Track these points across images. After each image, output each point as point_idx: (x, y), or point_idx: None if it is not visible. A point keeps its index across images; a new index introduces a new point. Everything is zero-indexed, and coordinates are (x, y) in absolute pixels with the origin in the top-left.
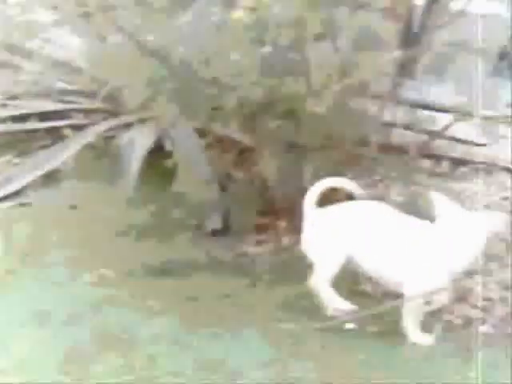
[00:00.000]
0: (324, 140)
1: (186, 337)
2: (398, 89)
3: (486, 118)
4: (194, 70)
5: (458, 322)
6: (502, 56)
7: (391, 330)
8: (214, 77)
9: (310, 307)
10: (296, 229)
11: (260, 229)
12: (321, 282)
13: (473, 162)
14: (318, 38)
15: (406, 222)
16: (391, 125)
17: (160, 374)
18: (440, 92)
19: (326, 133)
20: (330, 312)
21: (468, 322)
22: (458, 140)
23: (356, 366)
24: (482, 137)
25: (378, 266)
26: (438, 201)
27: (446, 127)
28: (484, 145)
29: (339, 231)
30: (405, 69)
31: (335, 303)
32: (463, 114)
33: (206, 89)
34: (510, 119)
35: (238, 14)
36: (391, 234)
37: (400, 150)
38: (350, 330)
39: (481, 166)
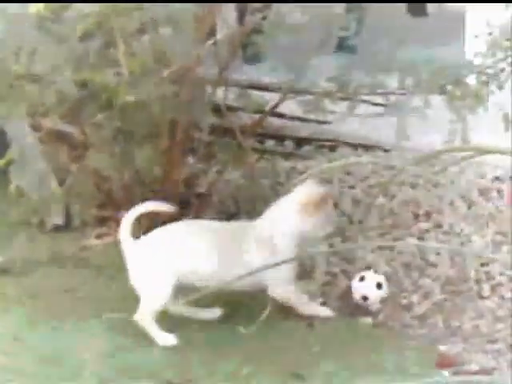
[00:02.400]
0: (152, 127)
1: (28, 334)
2: (226, 72)
3: (310, 94)
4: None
5: None
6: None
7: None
8: (30, 73)
9: None
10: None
11: (101, 221)
12: (146, 317)
13: (317, 140)
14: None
15: (224, 227)
16: (224, 108)
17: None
18: (266, 71)
19: (153, 120)
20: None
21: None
22: (299, 119)
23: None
24: (310, 113)
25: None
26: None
27: (275, 105)
28: (328, 123)
29: (162, 258)
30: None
31: (161, 339)
32: (289, 91)
33: (23, 85)
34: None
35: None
36: (215, 242)
37: (233, 132)
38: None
39: (326, 143)
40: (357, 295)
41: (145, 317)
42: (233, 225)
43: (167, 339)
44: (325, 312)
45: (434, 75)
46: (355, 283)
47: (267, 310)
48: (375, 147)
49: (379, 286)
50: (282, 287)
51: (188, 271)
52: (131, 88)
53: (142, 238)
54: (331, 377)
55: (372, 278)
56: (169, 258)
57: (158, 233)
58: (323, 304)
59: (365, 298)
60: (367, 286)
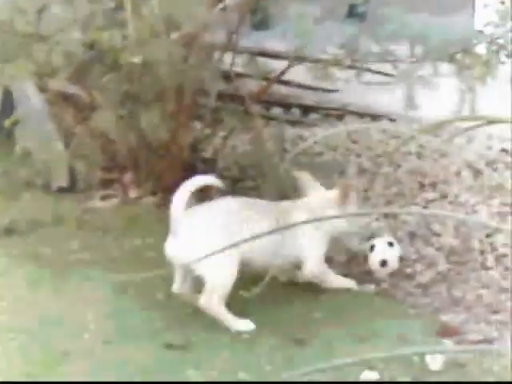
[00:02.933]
0: (159, 91)
1: (31, 294)
2: (234, 38)
3: (318, 61)
4: (14, 26)
5: None
6: None
7: None
8: (37, 32)
9: (156, 257)
10: (141, 182)
11: (106, 184)
12: (214, 302)
13: (324, 108)
14: None
15: (276, 206)
16: (232, 74)
17: None
18: (274, 38)
19: (161, 83)
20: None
21: None
22: (306, 87)
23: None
24: (318, 81)
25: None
26: (303, 180)
27: (282, 73)
28: (335, 91)
29: (226, 237)
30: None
31: (235, 325)
32: (296, 58)
33: (31, 44)
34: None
35: None
36: (273, 220)
37: (240, 98)
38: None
39: (332, 111)
40: (375, 264)
41: (213, 302)
42: (282, 204)
43: (243, 324)
44: (349, 283)
45: (443, 44)
46: (368, 253)
47: (269, 275)
48: (382, 116)
49: (391, 244)
50: (316, 264)
51: (251, 250)
52: (138, 49)
53: (197, 215)
54: (332, 343)
55: (381, 241)
56: (233, 237)
57: (216, 211)
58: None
59: (383, 263)
60: (381, 251)
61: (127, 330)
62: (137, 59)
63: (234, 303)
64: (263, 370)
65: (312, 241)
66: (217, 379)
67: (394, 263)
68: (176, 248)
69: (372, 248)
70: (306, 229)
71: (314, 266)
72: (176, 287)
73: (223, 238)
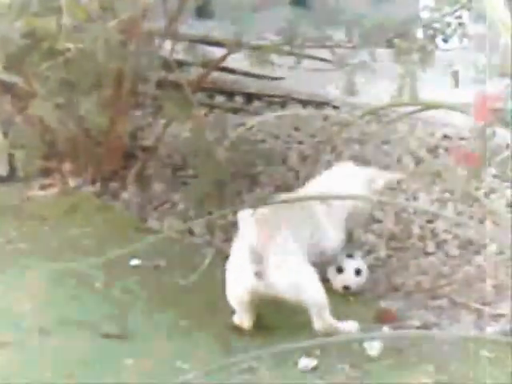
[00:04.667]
0: (97, 77)
1: None
2: (174, 26)
3: (256, 48)
4: None
5: None
6: None
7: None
8: None
9: (94, 246)
10: (80, 170)
11: (45, 173)
12: (330, 322)
13: (267, 96)
14: None
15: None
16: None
17: None
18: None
19: (98, 71)
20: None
21: None
22: (250, 74)
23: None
24: (256, 67)
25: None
26: None
27: (222, 59)
28: (279, 79)
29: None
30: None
31: (346, 328)
32: (235, 45)
33: None
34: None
35: None
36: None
37: (179, 86)
38: (136, 266)
39: (275, 99)
40: (338, 286)
41: (328, 322)
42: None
43: (353, 326)
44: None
45: (381, 28)
46: (332, 274)
47: (206, 262)
48: (325, 103)
49: (358, 272)
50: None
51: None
52: (74, 36)
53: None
54: (271, 331)
55: (350, 266)
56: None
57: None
58: None
59: (346, 288)
60: (347, 277)
61: (64, 319)
62: (72, 45)
63: (171, 291)
64: (201, 358)
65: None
66: (154, 368)
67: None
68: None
69: (340, 270)
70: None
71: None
72: (250, 323)
73: (299, 252)
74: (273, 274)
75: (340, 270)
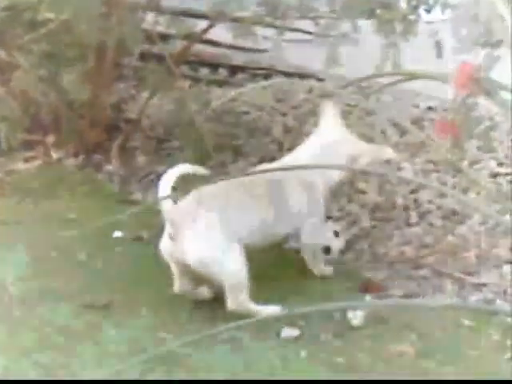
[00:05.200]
0: (80, 49)
1: None
2: None
3: (237, 20)
4: None
5: None
6: None
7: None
8: None
9: (77, 219)
10: (63, 143)
11: (28, 146)
12: (242, 301)
13: (251, 68)
14: None
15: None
16: (154, 33)
17: None
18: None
19: (81, 43)
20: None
21: None
22: (234, 47)
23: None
24: (239, 38)
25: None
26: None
27: (204, 31)
28: (264, 51)
29: (225, 225)
30: None
31: (263, 312)
32: (216, 17)
33: None
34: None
35: None
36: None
37: (162, 59)
38: (119, 238)
39: (260, 71)
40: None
41: (240, 301)
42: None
43: (271, 310)
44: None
45: None
46: None
47: None
48: (310, 76)
49: (336, 234)
50: (314, 235)
51: (249, 235)
52: (55, 6)
53: (190, 209)
54: (254, 301)
55: (329, 228)
56: (232, 227)
57: (208, 201)
58: None
59: (327, 251)
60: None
61: (47, 291)
62: (53, 16)
63: (154, 263)
64: (184, 328)
65: (308, 203)
66: (138, 339)
67: (336, 253)
68: (175, 248)
69: None
70: (298, 193)
71: (309, 235)
72: (177, 287)
73: (223, 231)
74: (186, 244)
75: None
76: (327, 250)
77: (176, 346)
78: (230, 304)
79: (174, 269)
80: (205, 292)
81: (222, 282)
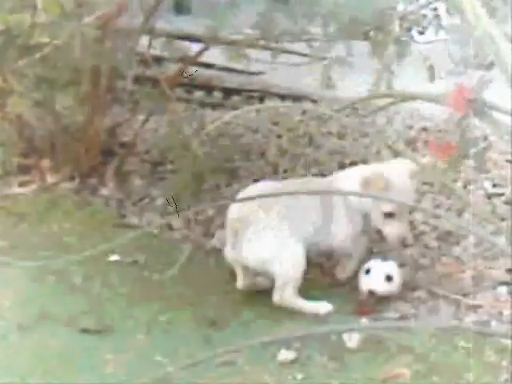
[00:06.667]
0: (74, 74)
1: None
2: (152, 21)
3: (231, 43)
4: None
5: None
6: None
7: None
8: None
9: (74, 242)
10: (59, 167)
11: (24, 170)
12: (289, 296)
13: (246, 91)
14: None
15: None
16: (148, 57)
17: None
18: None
19: (75, 67)
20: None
21: None
22: (228, 69)
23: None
24: (233, 61)
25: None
26: None
27: (198, 54)
28: (258, 74)
29: (287, 225)
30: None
31: (316, 311)
32: (211, 40)
33: None
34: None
35: None
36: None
37: (157, 82)
38: (115, 262)
39: (255, 93)
40: (363, 288)
41: (286, 296)
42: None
43: (323, 307)
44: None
45: (356, 21)
46: (361, 275)
47: (183, 257)
48: (303, 97)
49: (389, 278)
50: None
51: (313, 236)
52: (50, 31)
53: (248, 208)
54: (250, 325)
55: (379, 269)
56: (295, 225)
57: (267, 200)
58: None
59: (372, 293)
60: (374, 280)
61: (44, 315)
62: (47, 40)
63: (150, 286)
64: (180, 352)
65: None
66: (133, 363)
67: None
68: (236, 251)
69: (367, 271)
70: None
71: (279, 290)
72: (240, 284)
73: (283, 229)
74: (245, 247)
75: (367, 272)
76: (372, 293)
77: (173, 369)
78: (275, 296)
79: (237, 269)
80: (265, 282)
81: (276, 278)
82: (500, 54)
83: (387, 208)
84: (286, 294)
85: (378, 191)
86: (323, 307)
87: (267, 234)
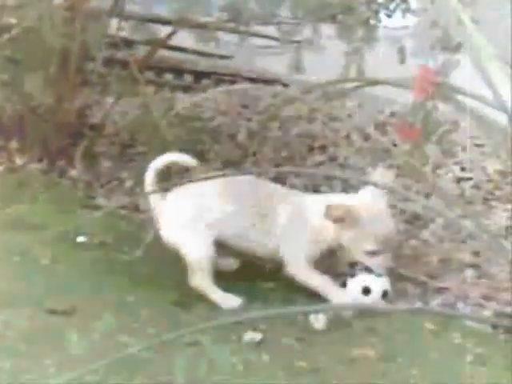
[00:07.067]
0: (44, 55)
1: None
2: (121, 3)
3: (200, 26)
4: None
5: None
6: None
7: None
8: None
9: (41, 223)
10: (27, 148)
11: None
12: (199, 279)
13: (216, 74)
14: None
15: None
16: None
17: None
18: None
19: (44, 48)
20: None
21: None
22: (199, 53)
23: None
24: (202, 44)
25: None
26: None
27: (168, 37)
28: (228, 57)
29: (196, 213)
30: None
31: (223, 302)
32: (180, 23)
33: None
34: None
35: None
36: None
37: (127, 64)
38: (82, 243)
39: (225, 77)
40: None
41: (197, 279)
42: (279, 189)
43: (231, 300)
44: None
45: (323, 3)
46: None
47: (149, 237)
48: (275, 81)
49: (366, 291)
50: (296, 268)
51: (225, 231)
52: (19, 12)
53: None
54: (217, 306)
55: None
56: (203, 213)
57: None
58: None
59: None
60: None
61: (10, 296)
62: (15, 21)
63: (117, 267)
64: (147, 333)
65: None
66: (99, 343)
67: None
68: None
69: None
70: (287, 221)
71: (296, 268)
72: None
73: (193, 213)
74: (164, 230)
75: (344, 285)
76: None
77: (137, 350)
78: (189, 280)
79: None
80: (227, 262)
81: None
82: (467, 36)
83: (369, 247)
84: (196, 280)
85: (338, 222)
86: (230, 301)
87: (178, 215)
